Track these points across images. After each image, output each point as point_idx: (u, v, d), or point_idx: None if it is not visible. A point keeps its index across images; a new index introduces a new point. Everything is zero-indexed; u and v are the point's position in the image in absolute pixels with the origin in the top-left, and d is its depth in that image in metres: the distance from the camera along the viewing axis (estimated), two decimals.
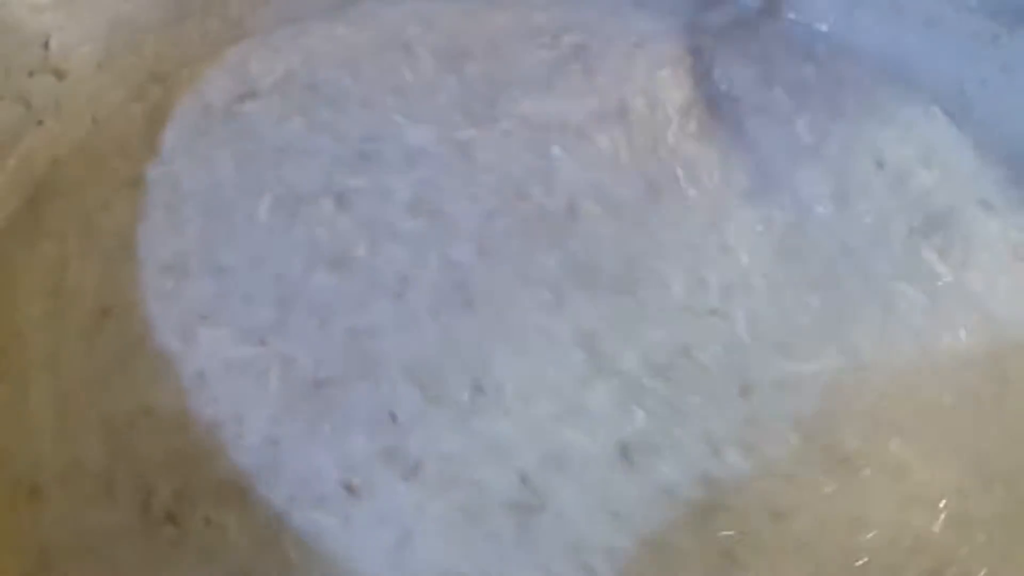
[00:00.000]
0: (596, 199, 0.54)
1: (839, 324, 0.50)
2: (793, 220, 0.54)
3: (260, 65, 0.61)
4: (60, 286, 0.49)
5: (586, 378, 0.46)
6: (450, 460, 0.43)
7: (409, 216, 0.53)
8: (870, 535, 0.43)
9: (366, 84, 0.60)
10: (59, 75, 0.56)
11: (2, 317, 0.48)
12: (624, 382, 0.47)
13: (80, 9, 0.56)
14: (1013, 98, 0.59)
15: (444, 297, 0.49)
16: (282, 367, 0.46)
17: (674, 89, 0.61)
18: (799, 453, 0.45)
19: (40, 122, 0.55)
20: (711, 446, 0.45)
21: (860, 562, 0.42)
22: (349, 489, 0.42)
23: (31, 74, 0.54)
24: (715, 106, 0.60)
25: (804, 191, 0.56)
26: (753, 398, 0.47)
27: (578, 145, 0.57)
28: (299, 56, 0.61)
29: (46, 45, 0.55)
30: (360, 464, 0.43)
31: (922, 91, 0.61)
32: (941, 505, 0.44)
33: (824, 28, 0.66)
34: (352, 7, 0.65)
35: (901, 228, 0.54)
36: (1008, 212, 0.56)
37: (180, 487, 0.41)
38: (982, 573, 0.43)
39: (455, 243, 0.52)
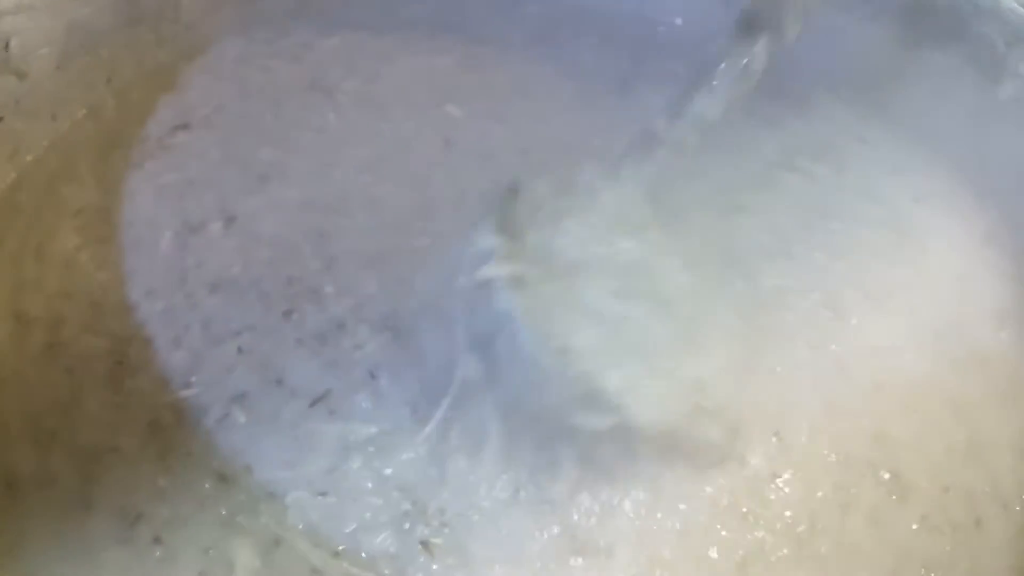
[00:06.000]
0: None
1: None
2: None
3: (199, 94, 0.64)
4: (19, 311, 0.51)
5: None
6: None
7: None
8: None
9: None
10: (20, 76, 0.57)
11: None
12: None
13: (39, 14, 0.57)
14: None
15: None
16: None
17: None
18: None
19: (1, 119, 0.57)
20: None
21: None
22: None
23: None
24: None
25: None
26: None
27: None
28: (235, 88, 0.66)
29: (7, 47, 0.56)
30: None
31: None
32: None
33: None
34: (289, 36, 0.70)
35: None
36: None
37: (169, 517, 0.43)
38: None
39: None
